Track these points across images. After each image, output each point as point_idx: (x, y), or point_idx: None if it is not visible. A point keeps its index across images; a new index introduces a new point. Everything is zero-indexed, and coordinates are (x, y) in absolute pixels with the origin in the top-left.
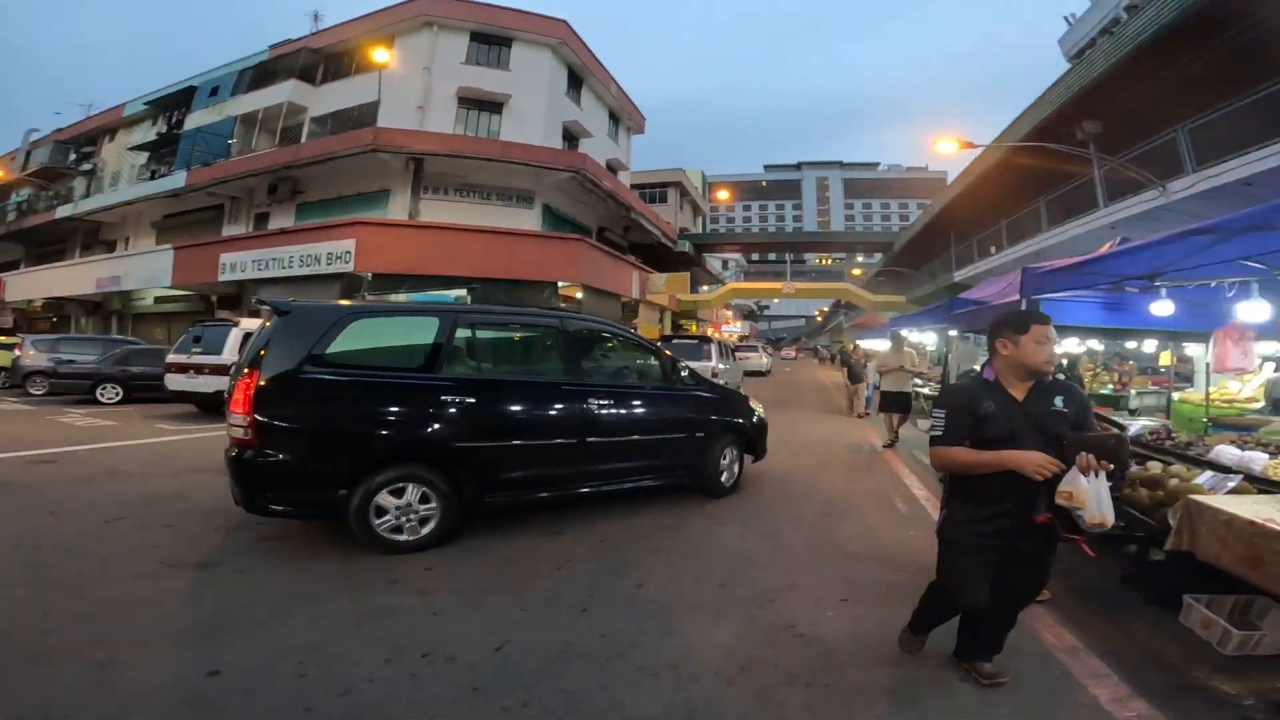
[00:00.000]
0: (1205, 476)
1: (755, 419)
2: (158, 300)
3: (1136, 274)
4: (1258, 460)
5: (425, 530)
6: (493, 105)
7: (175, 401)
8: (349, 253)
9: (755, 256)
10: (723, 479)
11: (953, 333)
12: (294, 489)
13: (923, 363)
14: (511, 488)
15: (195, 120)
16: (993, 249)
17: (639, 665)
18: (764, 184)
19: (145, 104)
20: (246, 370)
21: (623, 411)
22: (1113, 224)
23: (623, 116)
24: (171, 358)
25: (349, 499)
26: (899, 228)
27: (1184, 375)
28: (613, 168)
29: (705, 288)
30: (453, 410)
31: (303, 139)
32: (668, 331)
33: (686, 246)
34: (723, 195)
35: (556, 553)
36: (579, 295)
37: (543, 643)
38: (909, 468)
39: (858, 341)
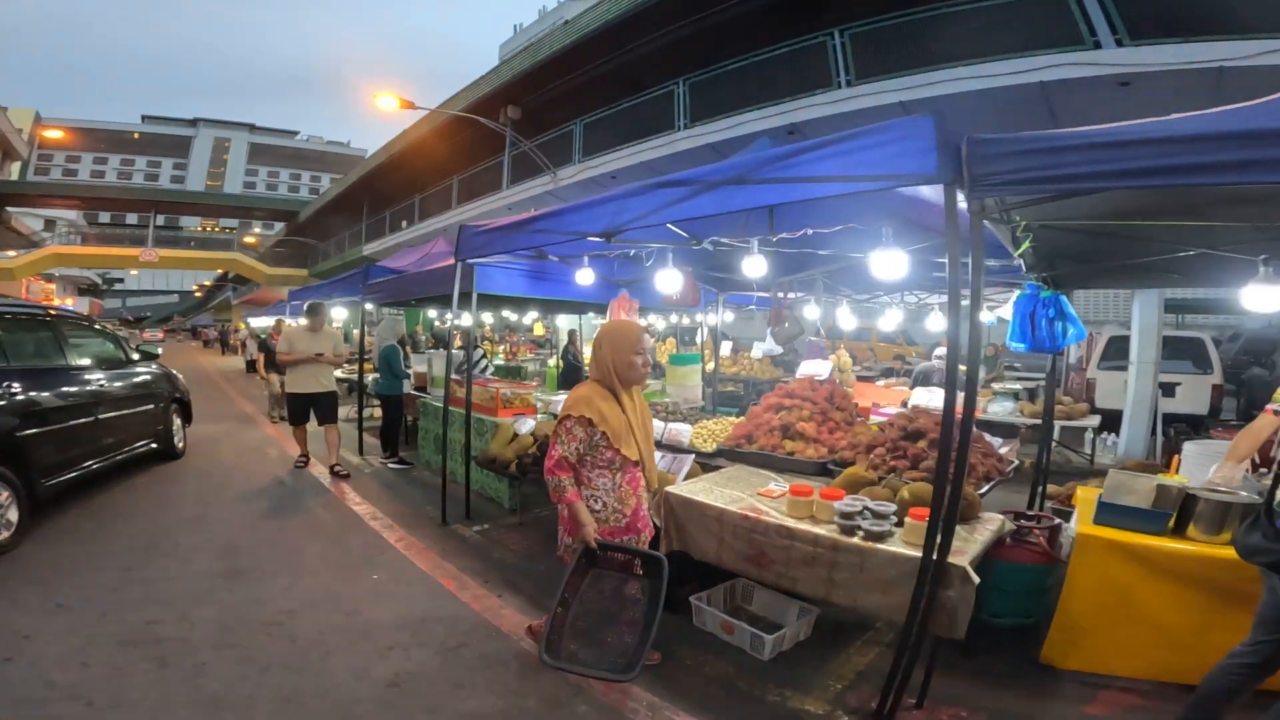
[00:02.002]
0: (658, 460)
1: (186, 390)
2: None
3: (594, 230)
4: (683, 431)
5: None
6: None
7: None
8: None
9: (106, 217)
10: (177, 443)
11: (369, 306)
12: None
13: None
14: (59, 471)
15: None
16: (404, 223)
17: None
18: (136, 135)
19: None
20: None
21: (115, 388)
22: (510, 205)
23: None
24: None
25: None
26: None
27: (554, 343)
28: None
29: (12, 253)
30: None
31: None
32: None
33: None
34: (53, 135)
35: None
36: None
37: None
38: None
39: (280, 318)
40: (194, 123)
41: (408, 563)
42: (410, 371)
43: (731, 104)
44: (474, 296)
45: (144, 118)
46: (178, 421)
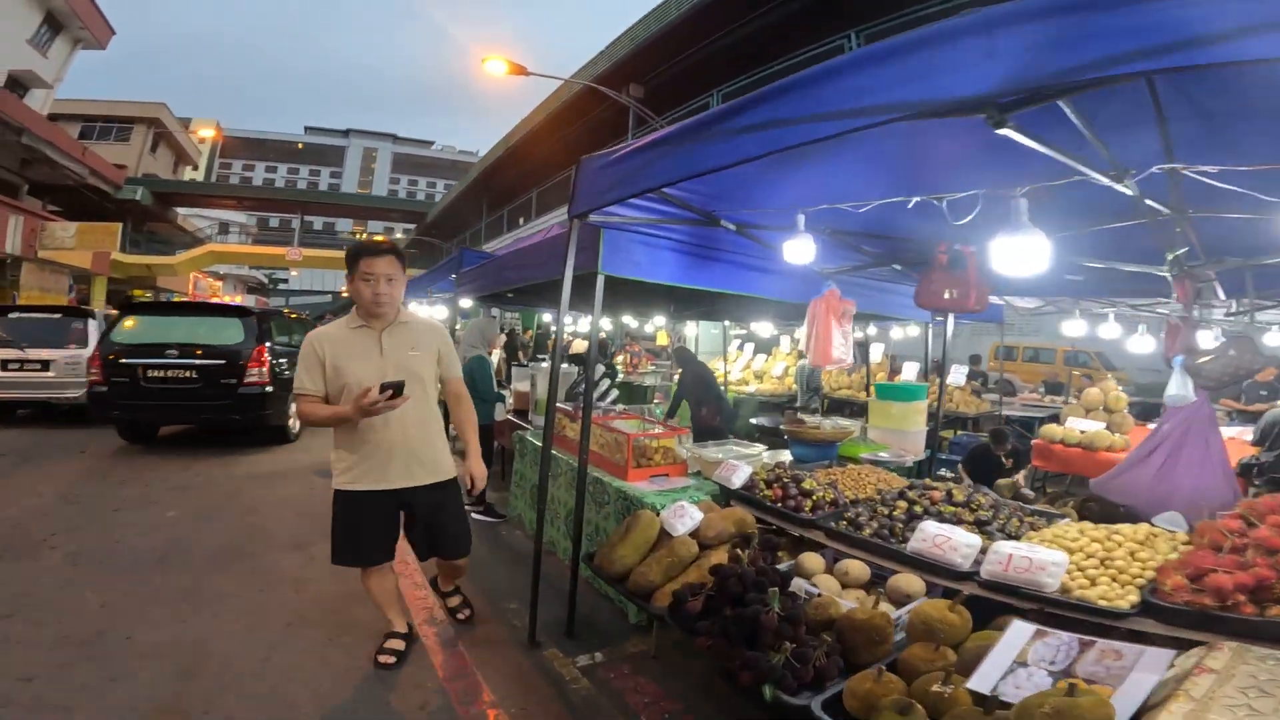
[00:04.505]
0: (1023, 639)
1: None
2: None
3: (961, 91)
4: (1047, 562)
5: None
6: None
7: None
8: None
9: (276, 222)
10: None
11: (465, 303)
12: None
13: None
14: None
15: None
16: (521, 220)
17: None
18: (300, 146)
19: None
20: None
21: None
22: None
23: (70, 23)
24: None
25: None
26: None
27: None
28: (21, 82)
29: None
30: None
31: None
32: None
33: (138, 194)
34: (206, 133)
35: None
36: None
37: None
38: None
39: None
40: (346, 133)
41: None
42: (507, 392)
43: None
44: (600, 280)
45: (306, 129)
46: None
